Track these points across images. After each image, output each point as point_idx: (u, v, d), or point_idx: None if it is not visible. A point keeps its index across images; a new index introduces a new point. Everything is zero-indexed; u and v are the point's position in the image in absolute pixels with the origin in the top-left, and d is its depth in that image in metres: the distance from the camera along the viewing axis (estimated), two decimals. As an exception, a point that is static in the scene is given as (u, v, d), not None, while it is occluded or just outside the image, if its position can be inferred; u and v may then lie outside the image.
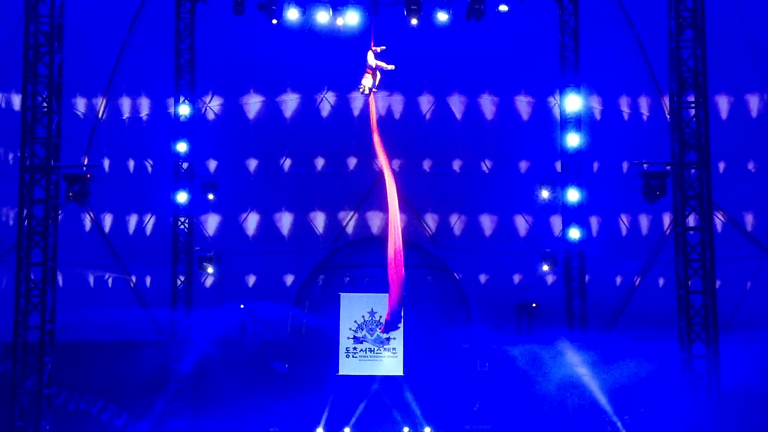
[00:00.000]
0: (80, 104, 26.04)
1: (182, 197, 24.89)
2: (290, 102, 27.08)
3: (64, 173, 19.16)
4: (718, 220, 24.68)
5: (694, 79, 18.39)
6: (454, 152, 27.76)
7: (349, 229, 28.50)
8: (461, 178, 27.88)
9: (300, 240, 28.24)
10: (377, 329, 26.55)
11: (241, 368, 26.84)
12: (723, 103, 24.44)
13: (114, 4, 25.08)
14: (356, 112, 26.76)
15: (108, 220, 27.20)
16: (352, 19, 24.30)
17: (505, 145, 27.21)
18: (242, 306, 27.31)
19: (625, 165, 26.00)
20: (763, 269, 25.14)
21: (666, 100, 23.74)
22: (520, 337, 26.60)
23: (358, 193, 27.92)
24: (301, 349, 27.58)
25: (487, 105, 27.02)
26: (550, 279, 27.17)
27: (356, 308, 26.85)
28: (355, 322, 26.83)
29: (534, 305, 27.50)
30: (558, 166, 25.39)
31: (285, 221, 28.12)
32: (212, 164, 27.21)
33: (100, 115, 26.22)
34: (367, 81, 19.45)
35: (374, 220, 28.09)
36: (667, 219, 25.94)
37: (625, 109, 26.21)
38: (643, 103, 25.95)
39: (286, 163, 27.78)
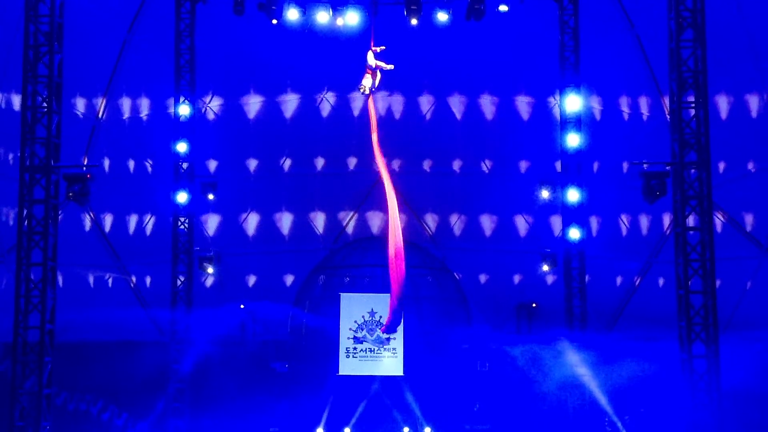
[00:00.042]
0: (80, 104, 26.04)
1: (182, 197, 24.89)
2: (290, 102, 27.08)
3: (64, 173, 19.16)
4: (718, 220, 24.68)
5: (694, 79, 18.39)
6: (454, 152, 27.76)
7: (350, 229, 28.51)
8: (461, 178, 27.89)
9: (300, 240, 28.24)
10: (377, 329, 26.54)
11: (242, 368, 26.84)
12: (723, 103, 24.44)
13: (114, 5, 25.08)
14: (356, 113, 26.76)
15: (108, 220, 27.21)
16: (352, 19, 24.31)
17: (505, 145, 27.21)
18: (242, 306, 27.32)
19: (625, 165, 26.00)
20: (763, 269, 25.14)
21: (666, 100, 23.74)
22: (520, 337, 26.61)
23: (358, 193, 27.92)
24: (301, 350, 27.58)
25: (487, 105, 27.03)
26: (550, 279, 27.17)
27: (356, 308, 26.86)
28: (355, 322, 26.83)
29: (534, 305, 27.51)
30: (558, 166, 25.38)
31: (285, 221, 28.12)
32: (212, 164, 27.22)
33: (100, 115, 26.23)
34: (367, 81, 19.45)
35: (374, 220, 28.10)
36: (667, 219, 25.94)
37: (625, 109, 26.22)
38: (643, 103, 25.96)
39: (286, 163, 27.79)
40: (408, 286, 22.11)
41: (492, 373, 26.85)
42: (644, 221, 26.90)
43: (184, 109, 25.02)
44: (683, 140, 18.35)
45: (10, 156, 24.72)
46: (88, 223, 26.96)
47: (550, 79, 25.65)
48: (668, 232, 25.57)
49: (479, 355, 27.08)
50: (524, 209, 27.50)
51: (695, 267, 18.15)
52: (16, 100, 23.76)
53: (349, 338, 26.80)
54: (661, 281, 26.64)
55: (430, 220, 28.40)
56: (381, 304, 26.41)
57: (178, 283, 24.90)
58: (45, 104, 18.80)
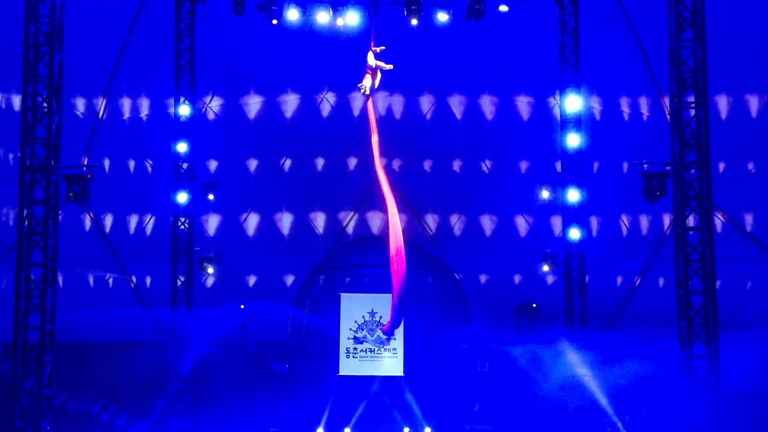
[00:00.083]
0: (80, 104, 26.05)
1: (182, 197, 24.90)
2: (290, 102, 27.09)
3: (65, 173, 19.16)
4: (718, 220, 24.67)
5: (695, 79, 18.39)
6: (454, 152, 27.77)
7: (350, 229, 28.51)
8: (461, 178, 27.89)
9: (300, 240, 28.24)
10: (377, 329, 26.55)
11: (242, 368, 26.84)
12: (723, 104, 24.44)
13: (114, 5, 25.09)
14: (356, 113, 26.77)
15: (108, 221, 27.21)
16: (352, 19, 24.31)
17: (506, 146, 27.22)
18: (242, 306, 27.32)
19: (625, 165, 26.00)
20: (763, 269, 25.14)
21: (666, 101, 23.74)
22: (521, 338, 26.60)
23: (359, 193, 27.92)
24: (301, 350, 27.59)
25: (488, 105, 27.03)
26: (550, 279, 27.17)
27: (356, 308, 26.87)
28: (356, 322, 26.83)
29: (534, 305, 27.51)
30: (558, 166, 25.38)
31: (285, 221, 28.13)
32: (212, 164, 27.22)
33: (100, 116, 26.23)
34: (367, 81, 19.44)
35: (374, 220, 28.10)
36: (667, 219, 25.94)
37: (626, 110, 26.22)
38: (643, 104, 25.96)
39: (287, 164, 27.79)
40: (408, 286, 22.11)
41: (492, 373, 26.85)
42: (644, 221, 26.90)
43: (185, 109, 25.03)
44: (683, 140, 18.35)
45: (11, 156, 24.73)
46: (88, 224, 26.96)
47: (550, 79, 25.65)
48: (668, 232, 25.58)
49: (479, 355, 27.09)
50: (524, 209, 27.50)
51: (695, 267, 18.14)
52: (16, 101, 23.77)
53: (349, 338, 26.81)
54: (661, 281, 26.64)
55: (431, 220, 28.41)
56: (381, 305, 26.45)
57: (179, 283, 24.91)
58: (45, 104, 18.80)
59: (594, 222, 26.83)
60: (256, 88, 26.89)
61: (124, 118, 26.48)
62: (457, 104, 27.15)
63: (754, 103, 24.24)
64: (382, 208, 23.76)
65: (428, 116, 27.30)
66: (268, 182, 27.75)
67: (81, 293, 26.72)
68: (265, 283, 28.18)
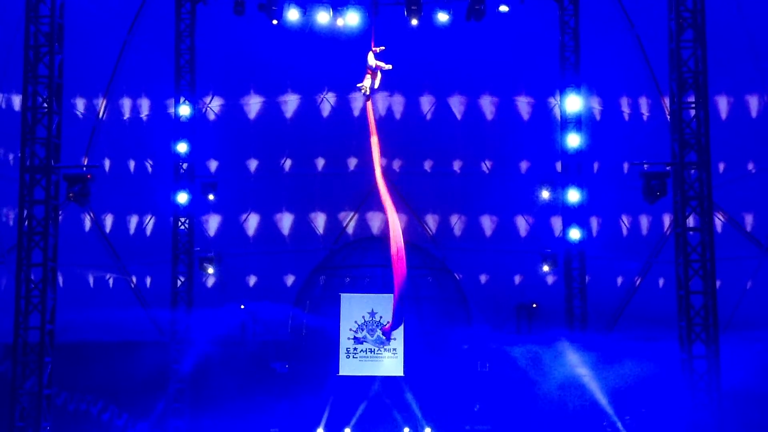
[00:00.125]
0: (80, 105, 26.05)
1: (182, 198, 24.90)
2: (291, 102, 27.09)
3: (65, 174, 19.15)
4: (718, 220, 24.67)
5: (695, 79, 18.39)
6: (454, 152, 27.77)
7: (350, 229, 28.51)
8: (461, 178, 27.89)
9: (300, 240, 28.25)
10: (377, 330, 26.56)
11: (242, 368, 26.84)
12: (723, 104, 24.45)
13: (114, 5, 25.09)
14: (356, 113, 26.77)
15: (108, 221, 27.21)
16: (352, 19, 24.31)
17: (506, 146, 27.22)
18: (243, 306, 27.32)
19: (625, 165, 26.01)
20: (763, 269, 25.14)
21: (666, 101, 23.74)
22: (521, 338, 26.60)
23: (359, 193, 27.92)
24: (301, 350, 27.59)
25: (488, 105, 27.03)
26: (550, 279, 27.16)
27: (356, 309, 26.87)
28: (356, 322, 26.84)
29: (534, 305, 27.50)
30: (558, 166, 25.39)
31: (285, 221, 28.13)
32: (213, 164, 27.23)
33: (100, 116, 26.23)
34: (367, 82, 19.44)
35: (374, 220, 28.09)
36: (667, 219, 25.94)
37: (626, 110, 26.22)
38: (644, 104, 25.96)
39: (287, 164, 27.80)
40: (408, 286, 22.12)
41: (492, 373, 26.86)
42: (644, 221, 26.90)
43: (185, 110, 25.03)
44: (683, 140, 18.35)
45: (11, 156, 24.74)
46: (88, 224, 26.96)
47: (550, 80, 25.66)
48: (668, 232, 25.58)
49: (479, 355, 27.09)
50: (524, 209, 27.50)
51: (695, 267, 18.14)
52: (17, 101, 23.79)
53: (349, 338, 26.81)
54: (661, 281, 26.64)
55: (431, 221, 28.40)
56: (381, 305, 26.46)
57: (179, 283, 24.91)
58: (45, 105, 18.80)
59: (594, 222, 26.83)
60: (256, 88, 26.89)
61: (125, 118, 26.48)
62: (457, 104, 27.15)
63: (754, 103, 24.24)
64: (383, 208, 23.72)
65: (428, 116, 27.31)
66: (269, 182, 27.75)
67: (81, 293, 26.72)
68: (266, 283, 28.18)
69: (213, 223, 27.71)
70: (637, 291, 27.23)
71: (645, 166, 18.97)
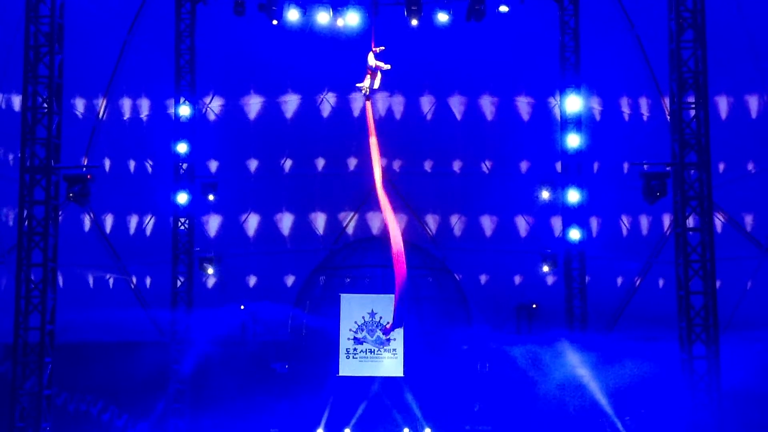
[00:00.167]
0: (80, 105, 26.04)
1: (182, 198, 24.90)
2: (291, 102, 27.09)
3: (65, 174, 19.16)
4: (718, 220, 24.67)
5: (695, 79, 18.39)
6: (454, 153, 27.77)
7: (350, 229, 28.51)
8: (462, 178, 27.90)
9: (300, 240, 28.25)
10: (377, 330, 26.57)
11: (242, 369, 26.84)
12: (723, 104, 24.45)
13: (114, 5, 25.08)
14: (356, 113, 26.77)
15: (108, 221, 27.20)
16: (352, 19, 24.31)
17: (506, 146, 27.22)
18: (243, 307, 27.31)
19: (625, 165, 26.00)
20: (763, 269, 25.14)
21: (666, 101, 23.74)
22: (521, 338, 26.60)
23: (359, 193, 27.92)
24: (301, 350, 27.59)
25: (488, 105, 27.03)
26: (550, 279, 27.16)
27: (356, 309, 26.86)
28: (356, 323, 26.83)
29: (534, 306, 27.50)
30: (558, 166, 25.40)
31: (285, 222, 28.13)
32: (213, 165, 27.23)
33: (100, 116, 26.23)
34: (367, 82, 19.44)
35: (374, 220, 28.09)
36: (667, 220, 25.95)
37: (626, 110, 26.22)
38: (644, 104, 25.96)
39: (287, 164, 27.80)
40: (408, 286, 22.12)
41: (492, 373, 26.85)
42: (644, 222, 26.90)
43: (185, 110, 25.04)
44: (683, 141, 18.35)
45: (11, 157, 24.73)
46: (88, 224, 26.95)
47: (550, 80, 25.66)
48: (668, 232, 25.58)
49: (479, 355, 27.09)
50: (524, 210, 27.50)
51: (695, 267, 18.14)
52: (17, 101, 23.78)
53: (349, 339, 26.81)
54: (661, 282, 26.64)
55: (431, 221, 28.40)
56: (381, 305, 26.46)
57: (179, 283, 24.91)
58: (45, 105, 18.80)
59: (594, 222, 26.83)
60: (256, 88, 26.89)
61: (125, 118, 26.47)
62: (457, 104, 27.15)
63: (753, 103, 24.24)
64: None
65: (428, 116, 27.31)
66: (269, 183, 27.76)
67: (81, 293, 26.72)
68: (266, 284, 28.18)
69: (213, 223, 27.71)
70: (637, 291, 27.23)
71: (645, 166, 18.98)
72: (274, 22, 24.27)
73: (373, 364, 26.76)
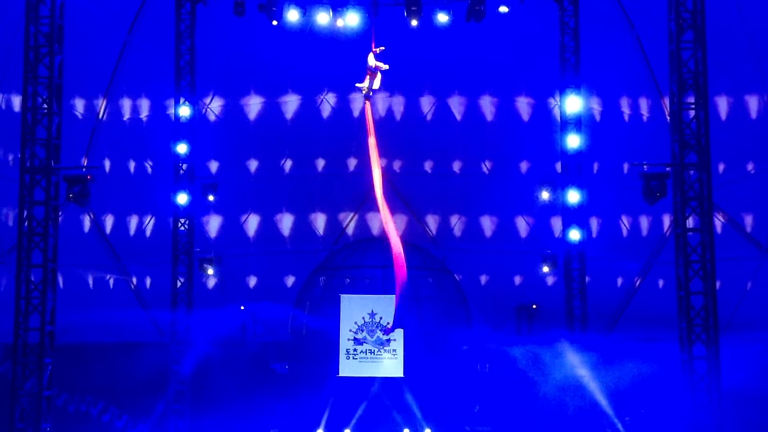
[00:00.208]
0: (80, 105, 26.04)
1: (182, 198, 24.90)
2: (291, 103, 27.09)
3: (65, 174, 19.15)
4: (718, 221, 24.67)
5: (695, 80, 18.39)
6: (454, 153, 27.78)
7: (350, 230, 28.51)
8: (462, 179, 27.90)
9: (300, 241, 28.25)
10: (377, 331, 26.57)
11: (242, 369, 26.83)
12: (723, 104, 24.45)
13: (114, 5, 25.09)
14: (356, 113, 26.77)
15: (108, 221, 27.20)
16: (352, 20, 24.31)
17: (506, 146, 27.23)
18: (243, 307, 27.31)
19: (625, 166, 26.00)
20: (763, 270, 25.13)
21: (666, 101, 23.74)
22: (521, 338, 26.60)
23: (359, 194, 27.92)
24: (301, 351, 27.59)
25: (488, 106, 27.04)
26: (550, 280, 27.16)
27: (356, 310, 26.86)
28: (356, 323, 26.83)
29: (534, 306, 27.50)
30: (558, 167, 25.38)
31: (286, 222, 28.13)
32: (213, 165, 27.24)
33: (100, 116, 26.23)
34: (366, 82, 19.44)
35: (374, 221, 28.07)
36: (667, 220, 25.94)
37: (626, 110, 26.22)
38: (644, 104, 25.96)
39: (287, 164, 27.80)
40: (409, 287, 22.11)
41: (492, 374, 26.85)
42: (644, 222, 26.90)
43: (185, 110, 25.03)
44: (683, 141, 18.35)
45: (10, 157, 24.73)
46: (88, 224, 26.95)
47: (550, 80, 25.66)
48: (668, 233, 25.57)
49: (479, 356, 27.08)
50: (524, 210, 27.50)
51: (695, 268, 18.14)
52: (17, 101, 23.77)
53: (349, 339, 26.81)
54: (661, 282, 26.63)
55: (431, 221, 28.40)
56: (381, 306, 26.47)
57: (179, 284, 24.91)
58: (45, 105, 18.80)
59: (594, 223, 26.83)
60: (256, 88, 26.90)
61: (125, 118, 26.47)
62: (457, 105, 27.16)
63: (753, 104, 24.24)
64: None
65: (428, 117, 27.31)
66: (269, 183, 27.76)
67: (81, 294, 26.71)
68: (266, 284, 28.18)
69: (213, 223, 27.71)
70: (637, 292, 27.22)
71: (645, 166, 18.98)
72: (274, 22, 24.27)
73: (373, 365, 26.76)
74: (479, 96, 26.96)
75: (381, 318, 26.56)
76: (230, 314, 26.77)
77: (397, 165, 27.77)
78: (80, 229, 26.75)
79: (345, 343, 26.79)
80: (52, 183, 18.82)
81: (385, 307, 26.12)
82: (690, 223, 18.35)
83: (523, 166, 27.36)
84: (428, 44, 25.46)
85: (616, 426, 23.88)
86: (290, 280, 28.42)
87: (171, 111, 25.42)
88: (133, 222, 27.33)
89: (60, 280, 21.11)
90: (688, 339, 17.96)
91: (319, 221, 28.33)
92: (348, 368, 26.74)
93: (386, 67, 19.32)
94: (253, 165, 27.65)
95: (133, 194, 26.84)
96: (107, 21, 25.06)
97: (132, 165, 26.97)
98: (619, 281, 27.44)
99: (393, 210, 25.10)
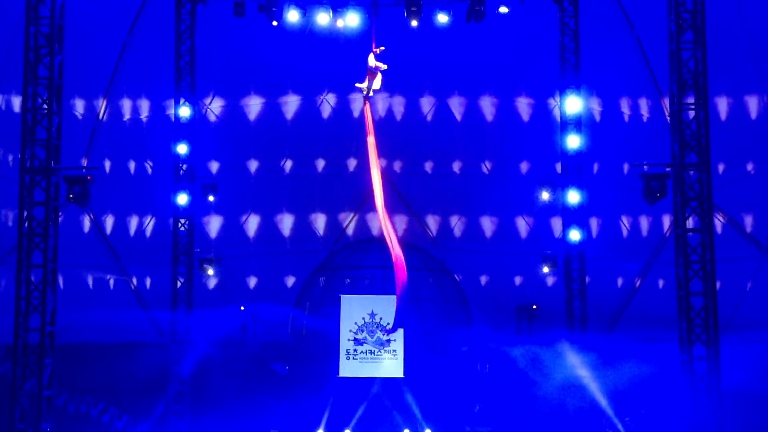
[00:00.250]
0: (81, 106, 26.05)
1: (182, 199, 24.89)
2: (291, 103, 27.10)
3: (65, 175, 19.14)
4: (718, 221, 24.67)
5: (695, 80, 18.39)
6: (454, 153, 27.78)
7: (350, 230, 28.51)
8: (462, 179, 27.90)
9: (301, 241, 28.25)
10: (378, 331, 26.57)
11: (242, 370, 26.84)
12: (722, 105, 24.46)
13: (114, 6, 25.10)
14: (356, 114, 26.77)
15: (109, 222, 27.21)
16: (352, 20, 24.31)
17: (506, 147, 27.23)
18: (243, 308, 27.31)
19: (625, 166, 26.01)
20: (763, 270, 25.14)
21: (666, 102, 23.75)
22: (521, 339, 26.59)
23: (359, 194, 27.92)
24: (301, 351, 27.59)
25: (488, 106, 27.04)
26: (550, 280, 27.17)
27: (356, 310, 26.87)
28: (356, 323, 26.83)
29: (534, 307, 27.50)
30: (558, 167, 25.38)
31: (286, 222, 28.13)
32: (213, 166, 27.24)
33: (100, 117, 26.24)
34: (366, 83, 19.45)
35: (374, 221, 28.05)
36: (667, 220, 25.95)
37: (626, 111, 26.22)
38: (643, 105, 25.97)
39: (287, 165, 27.80)
40: (409, 287, 22.11)
41: (492, 374, 26.84)
42: (644, 223, 26.91)
43: (185, 111, 25.03)
44: (683, 142, 18.35)
45: (10, 157, 24.73)
46: (88, 225, 26.96)
47: (550, 81, 25.66)
48: (668, 233, 25.57)
49: (479, 356, 27.08)
50: (525, 210, 27.51)
51: (695, 268, 18.14)
52: (17, 102, 23.78)
53: (349, 340, 26.81)
54: (661, 283, 26.64)
55: (431, 222, 28.41)
56: (381, 306, 26.48)
57: (179, 284, 24.90)
58: (45, 106, 18.80)
59: (594, 223, 26.83)
60: (256, 89, 26.91)
61: (125, 119, 26.48)
62: (457, 105, 27.16)
63: (753, 104, 24.25)
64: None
65: (429, 117, 27.32)
66: (269, 183, 27.76)
67: (81, 295, 26.72)
68: (266, 285, 28.18)
69: (213, 224, 27.72)
70: (637, 292, 27.23)
71: (645, 167, 18.97)
72: (274, 23, 24.27)
73: (374, 365, 26.76)
74: (479, 96, 26.96)
75: (381, 318, 26.57)
76: (230, 315, 26.77)
77: (397, 165, 27.78)
78: (80, 229, 26.76)
79: (345, 343, 26.80)
80: (52, 183, 18.81)
81: (385, 307, 26.13)
82: (690, 223, 18.35)
83: (523, 166, 27.37)
84: (428, 45, 25.47)
85: (616, 426, 23.88)
86: (290, 281, 28.42)
87: (171, 111, 25.42)
88: (133, 222, 27.34)
89: (60, 280, 21.10)
90: (688, 339, 17.96)
91: (320, 221, 28.33)
92: (348, 368, 26.74)
93: (385, 66, 19.32)
94: (253, 165, 27.66)
95: (133, 195, 26.84)
96: (107, 21, 25.07)
97: (132, 165, 26.97)
98: (619, 282, 27.45)
99: (393, 210, 25.22)
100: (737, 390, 19.45)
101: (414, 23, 23.92)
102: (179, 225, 25.04)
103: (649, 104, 25.83)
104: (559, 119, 25.29)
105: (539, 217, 27.33)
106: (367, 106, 19.87)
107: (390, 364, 26.79)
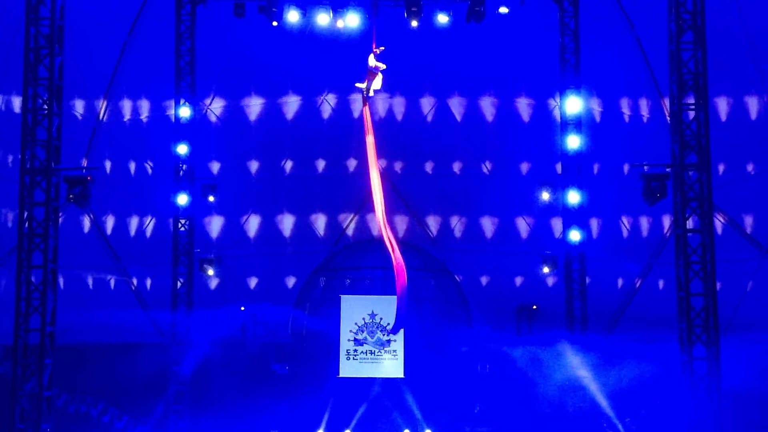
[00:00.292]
0: (81, 106, 26.05)
1: (182, 199, 24.91)
2: (291, 104, 27.10)
3: (65, 175, 19.15)
4: (718, 221, 24.67)
5: (695, 81, 18.39)
6: (454, 154, 27.78)
7: (350, 230, 28.51)
8: (462, 179, 27.90)
9: (301, 242, 28.25)
10: (378, 331, 26.57)
11: (242, 370, 26.83)
12: (722, 105, 24.45)
13: (114, 6, 25.11)
14: (356, 114, 26.77)
15: (109, 222, 27.21)
16: (352, 21, 24.31)
17: (506, 147, 27.23)
18: (243, 308, 27.30)
19: (625, 167, 26.00)
20: (763, 271, 25.13)
21: (666, 102, 23.74)
22: (521, 339, 26.59)
23: (359, 195, 27.87)
24: (301, 351, 27.58)
25: (488, 107, 27.04)
26: (550, 281, 27.16)
27: (357, 310, 26.86)
28: (356, 324, 26.83)
29: (534, 307, 27.49)
30: (558, 167, 25.40)
31: (286, 223, 28.13)
32: (214, 166, 27.25)
33: (100, 117, 26.24)
34: (366, 83, 19.44)
35: (374, 222, 28.04)
36: (667, 221, 25.95)
37: (626, 111, 26.22)
38: (644, 105, 25.97)
39: (287, 165, 27.80)
40: (409, 287, 22.11)
41: (492, 374, 26.83)
42: (644, 223, 26.90)
43: (185, 111, 25.04)
44: (683, 142, 18.35)
45: (10, 158, 24.73)
46: (88, 225, 26.95)
47: (550, 81, 25.67)
48: (668, 234, 25.57)
49: (480, 356, 27.07)
50: (525, 211, 27.50)
51: (696, 269, 18.14)
52: (17, 102, 23.78)
53: (349, 340, 26.81)
54: (661, 283, 26.63)
55: (431, 222, 28.40)
56: (381, 306, 26.47)
57: (179, 284, 24.91)
58: (45, 106, 18.80)
59: (594, 224, 26.82)
60: (256, 89, 26.91)
61: (125, 119, 26.49)
62: (457, 106, 27.17)
63: (753, 104, 24.25)
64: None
65: (429, 118, 27.32)
66: (269, 184, 27.76)
67: (81, 295, 26.72)
68: (266, 285, 28.18)
69: (214, 224, 27.72)
70: (637, 293, 27.22)
71: (645, 167, 18.98)
72: (274, 23, 24.29)
73: (374, 366, 26.76)
74: (479, 97, 26.97)
75: (381, 319, 26.57)
76: (230, 315, 26.77)
77: (397, 166, 27.78)
78: (80, 230, 26.76)
79: (345, 343, 26.79)
80: (53, 184, 18.82)
81: (385, 307, 26.13)
82: (690, 223, 18.35)
83: (524, 166, 27.36)
84: (428, 45, 25.47)
85: (617, 427, 23.88)
86: (291, 281, 28.42)
87: (171, 112, 25.43)
88: (134, 223, 27.34)
89: (60, 281, 21.12)
90: (689, 340, 17.96)
91: (320, 222, 28.33)
92: (348, 369, 26.74)
93: (384, 66, 19.32)
94: (253, 166, 27.66)
95: (134, 195, 26.85)
96: (107, 22, 25.07)
97: (132, 166, 26.98)
98: (620, 282, 27.44)
99: (393, 211, 25.22)
100: (737, 390, 19.46)
101: (414, 23, 23.93)
102: (179, 225, 25.05)
103: (649, 104, 25.83)
104: (559, 119, 25.31)
105: (539, 218, 27.33)
106: (366, 107, 19.86)
107: (390, 365, 26.79)
